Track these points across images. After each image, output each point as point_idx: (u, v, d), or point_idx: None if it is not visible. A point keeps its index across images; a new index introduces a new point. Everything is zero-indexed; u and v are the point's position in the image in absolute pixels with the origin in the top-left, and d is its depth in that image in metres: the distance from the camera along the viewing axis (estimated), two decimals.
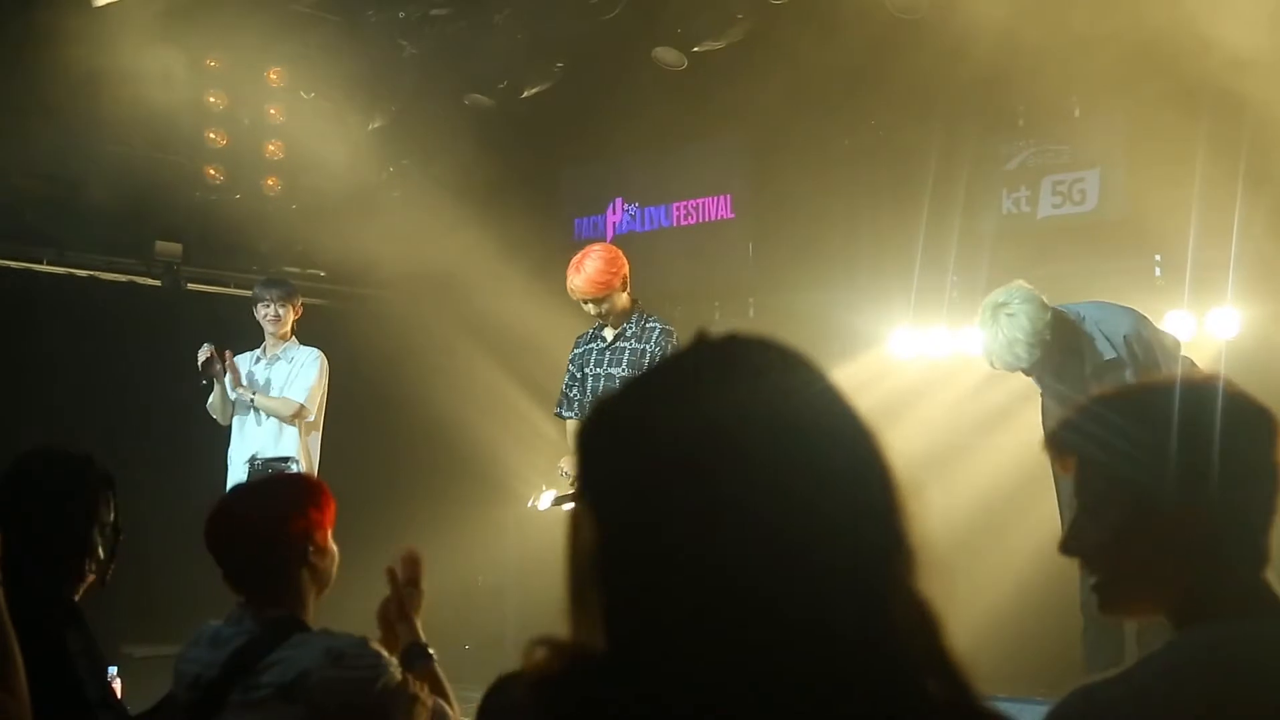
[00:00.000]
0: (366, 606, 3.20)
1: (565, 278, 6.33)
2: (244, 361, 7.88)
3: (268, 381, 7.73)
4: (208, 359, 7.61)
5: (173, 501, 7.41)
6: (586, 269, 6.32)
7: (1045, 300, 5.35)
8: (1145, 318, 5.49)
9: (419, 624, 3.12)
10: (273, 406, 7.64)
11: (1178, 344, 5.43)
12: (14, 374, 8.48)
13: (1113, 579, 1.95)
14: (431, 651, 3.11)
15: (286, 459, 7.59)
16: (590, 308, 6.33)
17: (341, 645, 2.96)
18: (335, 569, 3.17)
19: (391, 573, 3.13)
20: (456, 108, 9.47)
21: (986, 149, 8.23)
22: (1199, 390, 1.95)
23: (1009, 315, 5.28)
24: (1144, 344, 5.36)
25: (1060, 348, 5.34)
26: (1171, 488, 1.88)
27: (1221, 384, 1.94)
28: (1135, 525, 1.91)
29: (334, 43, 9.02)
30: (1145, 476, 1.90)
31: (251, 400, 7.63)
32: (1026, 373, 5.43)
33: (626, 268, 6.37)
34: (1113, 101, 7.80)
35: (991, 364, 5.45)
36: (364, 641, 2.98)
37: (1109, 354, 5.34)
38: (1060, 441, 2.00)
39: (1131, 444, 1.93)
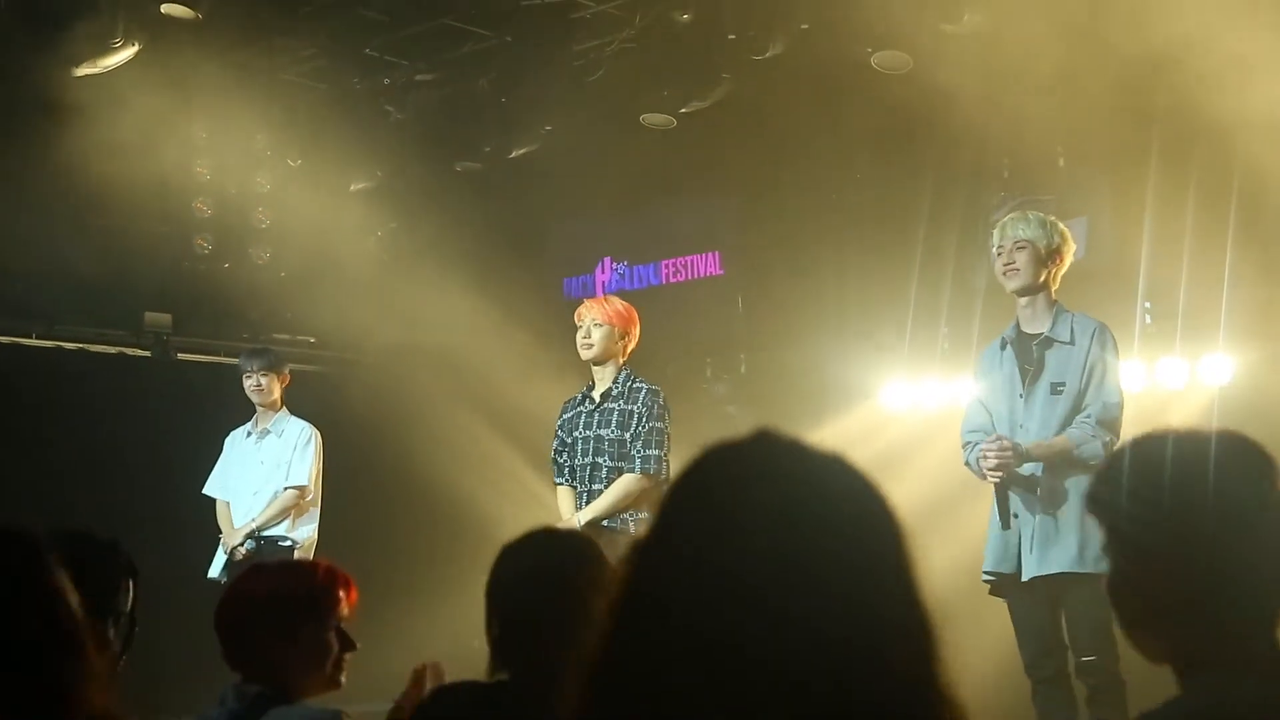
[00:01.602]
0: (366, 673, 3.16)
1: (555, 338, 6.36)
2: (237, 436, 7.85)
3: (259, 459, 7.69)
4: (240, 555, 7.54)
5: (164, 574, 7.34)
6: (609, 298, 6.54)
7: None
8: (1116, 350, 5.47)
9: None
10: (277, 513, 7.57)
11: (1121, 403, 5.40)
12: (3, 447, 8.43)
13: (1127, 625, 1.92)
14: None
15: (283, 539, 7.55)
16: (581, 331, 6.33)
17: (316, 716, 2.95)
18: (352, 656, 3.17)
19: (420, 676, 3.12)
20: (443, 171, 9.50)
21: (975, 200, 8.26)
22: (1191, 439, 1.92)
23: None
24: (1103, 349, 5.35)
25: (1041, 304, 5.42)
26: (1162, 538, 1.85)
27: (1215, 432, 1.91)
28: (1132, 576, 1.89)
29: (320, 110, 9.05)
30: (1138, 528, 1.88)
31: (258, 533, 7.55)
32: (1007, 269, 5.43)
33: (636, 331, 6.40)
34: (1098, 151, 7.83)
35: (999, 230, 5.47)
36: (337, 714, 2.97)
37: (1063, 337, 5.36)
38: (1088, 500, 2.00)
39: (1126, 497, 1.91)
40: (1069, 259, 5.50)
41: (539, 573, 2.90)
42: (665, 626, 1.30)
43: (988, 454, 5.23)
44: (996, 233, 5.53)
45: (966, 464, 5.52)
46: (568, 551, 3.00)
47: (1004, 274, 5.46)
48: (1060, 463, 5.25)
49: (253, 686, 3.01)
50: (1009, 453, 5.20)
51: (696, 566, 1.31)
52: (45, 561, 2.09)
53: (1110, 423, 5.24)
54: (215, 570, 7.56)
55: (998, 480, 5.27)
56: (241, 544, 7.52)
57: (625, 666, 1.32)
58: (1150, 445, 1.93)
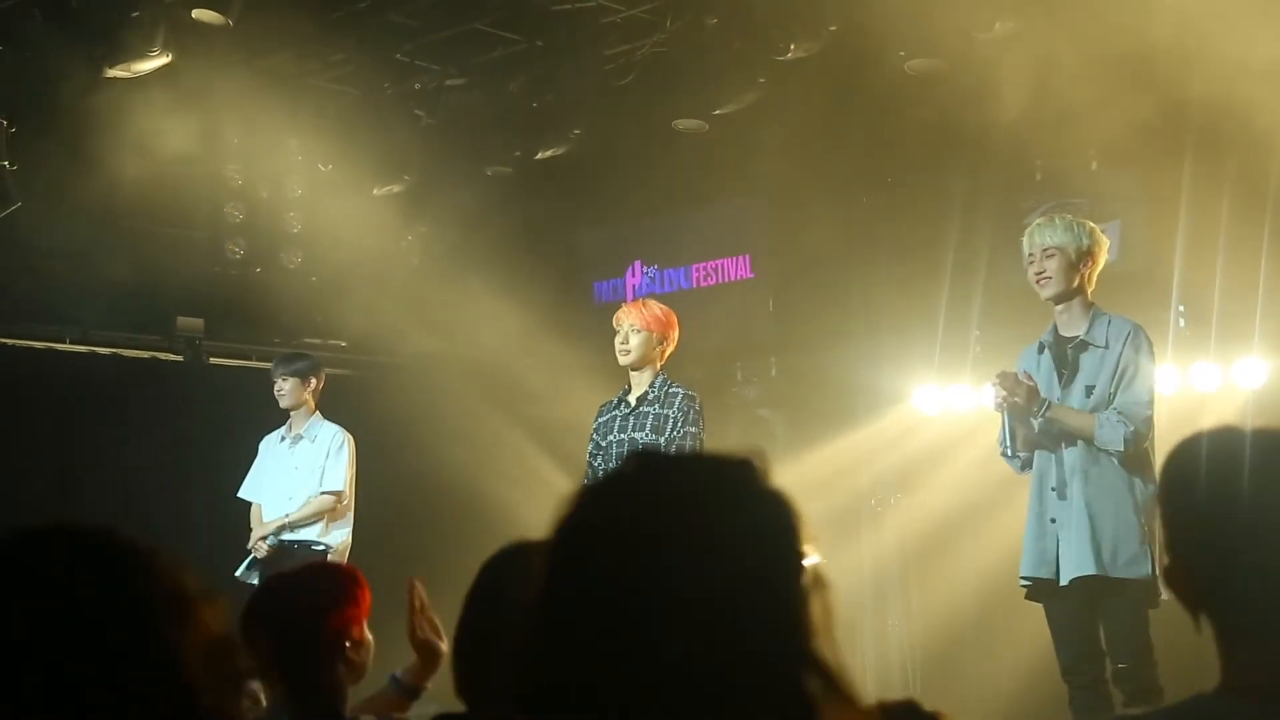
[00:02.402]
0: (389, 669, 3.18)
1: (585, 342, 6.35)
2: (271, 440, 7.89)
3: (294, 465, 7.71)
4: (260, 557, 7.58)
5: (199, 578, 7.37)
6: (647, 302, 6.47)
7: None
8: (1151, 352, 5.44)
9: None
10: (311, 514, 7.61)
11: (1150, 402, 5.37)
12: (39, 452, 8.50)
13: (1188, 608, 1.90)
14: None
15: (316, 543, 7.58)
16: (619, 337, 6.33)
17: None
18: (370, 658, 3.14)
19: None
20: (474, 175, 9.52)
21: (1007, 203, 8.22)
22: (1226, 440, 1.88)
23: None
24: (1136, 352, 5.33)
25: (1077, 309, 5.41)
26: (1195, 544, 1.84)
27: (1250, 432, 1.88)
28: (1177, 584, 1.87)
29: (351, 115, 9.08)
30: (1177, 534, 1.87)
31: (290, 526, 7.59)
32: (1039, 277, 5.41)
33: (675, 334, 6.39)
34: (1130, 154, 7.79)
35: (1028, 237, 5.45)
36: None
37: (1098, 341, 5.34)
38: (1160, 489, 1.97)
39: (1168, 503, 1.89)
40: (1103, 258, 5.47)
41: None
42: (555, 642, 1.34)
43: (999, 387, 5.27)
44: (1025, 239, 5.51)
45: (1003, 455, 5.54)
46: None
47: (1037, 282, 5.44)
48: (1078, 434, 5.27)
49: (312, 705, 3.01)
50: (1020, 391, 5.23)
51: (578, 588, 1.35)
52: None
53: (1134, 417, 5.22)
54: (241, 569, 7.58)
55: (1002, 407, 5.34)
56: (265, 538, 7.55)
57: (531, 677, 1.36)
58: (1229, 439, 1.89)
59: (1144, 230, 7.84)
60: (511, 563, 2.54)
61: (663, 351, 6.38)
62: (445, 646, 3.03)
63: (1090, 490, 5.26)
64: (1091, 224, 5.52)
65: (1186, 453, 1.89)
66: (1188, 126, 7.31)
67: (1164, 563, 1.90)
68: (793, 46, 7.51)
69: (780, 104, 8.19)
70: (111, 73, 7.53)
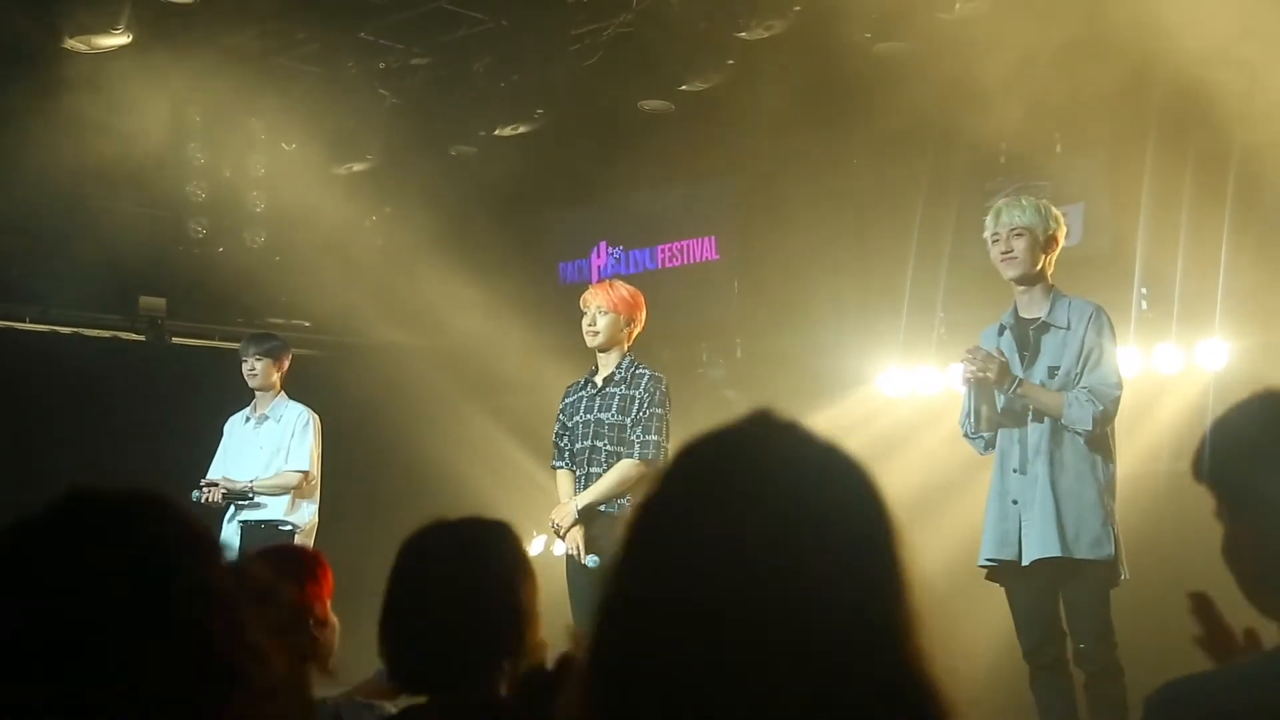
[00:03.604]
0: (369, 661, 3.16)
1: (550, 322, 6.33)
2: (236, 421, 7.85)
3: (259, 445, 7.69)
4: (205, 499, 7.56)
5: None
6: (614, 284, 6.45)
7: None
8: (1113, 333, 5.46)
9: None
10: (276, 486, 7.59)
11: (1118, 384, 5.40)
12: None
13: (1243, 585, 1.93)
14: None
15: (283, 522, 7.55)
16: (586, 318, 6.32)
17: (341, 709, 2.94)
18: (336, 638, 3.13)
19: None
20: (438, 156, 9.48)
21: (972, 185, 8.25)
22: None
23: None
24: (1099, 334, 5.36)
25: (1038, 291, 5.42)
26: (1249, 496, 1.86)
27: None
28: (1234, 534, 1.90)
29: (315, 94, 9.03)
30: (1229, 491, 1.89)
31: (252, 494, 7.56)
32: (1006, 256, 5.42)
33: (642, 315, 6.38)
34: (1094, 137, 7.83)
35: (993, 216, 5.46)
36: (365, 705, 2.97)
37: (1060, 322, 5.37)
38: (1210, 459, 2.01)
39: (1250, 458, 1.91)
40: (1062, 242, 5.50)
41: (464, 573, 2.48)
42: (657, 612, 1.31)
43: (969, 362, 5.29)
44: (990, 219, 5.49)
45: (965, 436, 5.55)
46: (489, 544, 2.54)
47: (1001, 261, 5.44)
48: (1047, 411, 5.28)
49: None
50: (991, 366, 5.24)
51: (686, 552, 1.32)
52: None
53: (1103, 397, 5.24)
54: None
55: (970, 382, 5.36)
56: (223, 492, 7.52)
57: (620, 653, 1.33)
58: (1249, 409, 1.93)
59: (1107, 213, 7.88)
60: (432, 541, 2.54)
61: (630, 333, 6.38)
62: None
63: (1054, 471, 5.28)
64: (1055, 209, 5.54)
65: (1245, 415, 1.97)
66: (1151, 110, 7.36)
67: (1227, 522, 1.93)
68: (758, 25, 7.51)
69: (746, 86, 8.18)
70: (70, 43, 7.45)
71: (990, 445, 5.51)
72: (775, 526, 1.31)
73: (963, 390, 5.54)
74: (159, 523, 1.47)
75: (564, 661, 2.19)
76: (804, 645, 1.28)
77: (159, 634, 1.34)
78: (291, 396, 7.81)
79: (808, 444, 1.40)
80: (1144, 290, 7.57)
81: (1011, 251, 5.39)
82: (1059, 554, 5.18)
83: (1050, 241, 5.41)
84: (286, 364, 7.80)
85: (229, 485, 7.58)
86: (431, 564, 2.50)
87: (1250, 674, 1.83)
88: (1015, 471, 5.38)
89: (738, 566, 1.30)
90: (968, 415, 5.47)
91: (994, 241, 5.45)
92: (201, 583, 1.40)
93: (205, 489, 7.60)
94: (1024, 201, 5.47)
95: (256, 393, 7.75)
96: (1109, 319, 5.41)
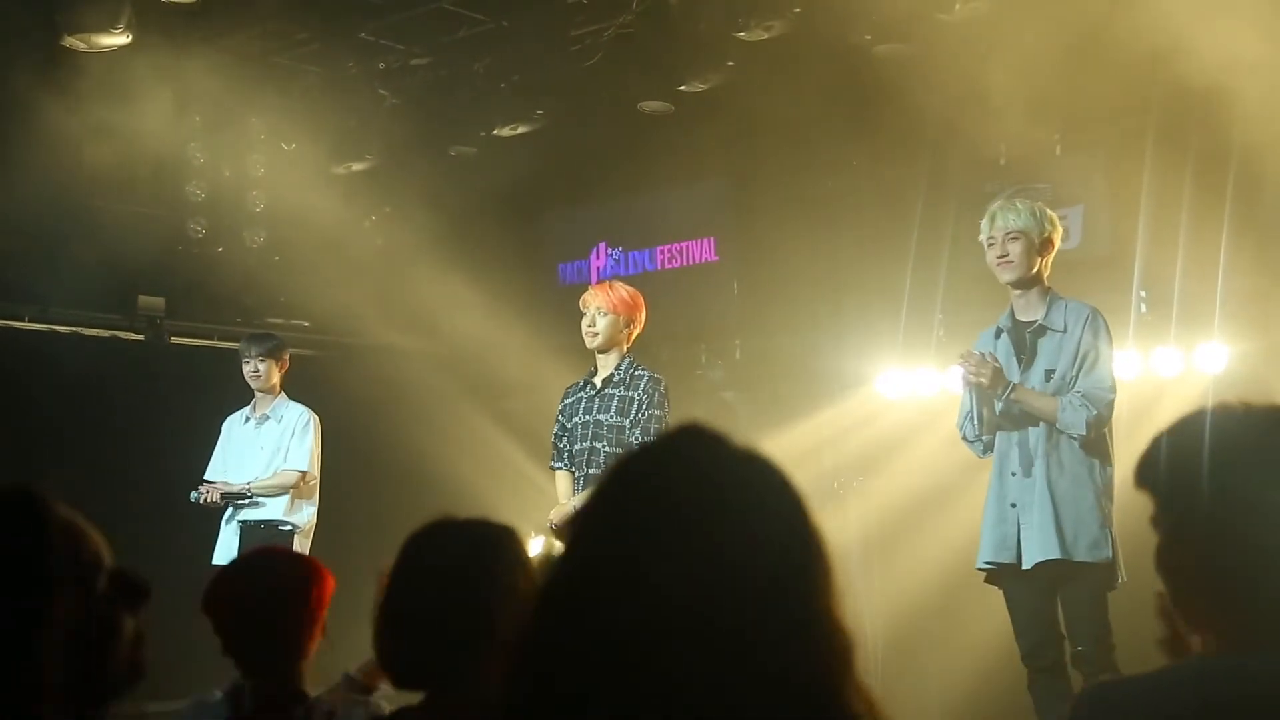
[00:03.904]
0: (361, 656, 3.17)
1: (550, 323, 6.33)
2: (235, 421, 7.85)
3: (259, 445, 7.69)
4: (203, 500, 7.58)
5: (158, 558, 7.33)
6: (614, 285, 6.46)
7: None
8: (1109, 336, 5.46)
9: None
10: (274, 486, 7.59)
11: (1112, 387, 5.39)
12: None
13: (1172, 598, 1.94)
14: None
15: (283, 522, 7.55)
16: (586, 319, 6.33)
17: (335, 706, 2.95)
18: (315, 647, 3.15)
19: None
20: (438, 156, 9.48)
21: (971, 187, 8.24)
22: (1228, 415, 1.93)
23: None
24: (1095, 336, 5.35)
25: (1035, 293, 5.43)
26: (1187, 513, 1.86)
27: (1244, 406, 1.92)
28: (1168, 553, 1.90)
29: (315, 94, 9.02)
30: (1165, 505, 1.89)
31: (250, 494, 7.57)
32: (1002, 261, 5.41)
33: (642, 316, 6.39)
34: (1094, 139, 7.83)
35: (988, 219, 5.45)
36: (356, 702, 2.98)
37: (1057, 325, 5.37)
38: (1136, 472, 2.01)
39: (1166, 473, 1.92)
40: (1058, 245, 5.51)
41: (455, 572, 2.48)
42: (578, 626, 1.35)
43: (966, 366, 5.29)
44: (985, 222, 5.49)
45: (964, 439, 5.56)
46: (494, 545, 2.52)
47: (998, 266, 5.44)
48: (1040, 416, 5.29)
49: (275, 685, 3.01)
50: (985, 371, 5.25)
51: (609, 567, 1.37)
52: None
53: (1097, 401, 5.24)
54: (219, 557, 7.54)
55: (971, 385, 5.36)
56: (221, 493, 7.53)
57: (539, 663, 1.37)
58: (1194, 422, 1.93)
59: (1107, 215, 7.88)
60: (437, 537, 2.55)
61: (629, 334, 6.38)
62: None
63: (1052, 474, 5.29)
64: (1050, 211, 5.54)
65: (1190, 427, 1.94)
66: (1151, 112, 7.36)
67: (1161, 531, 1.93)
68: (757, 26, 7.51)
69: (746, 87, 8.18)
70: (70, 42, 7.45)
71: (989, 448, 5.51)
72: (699, 534, 1.36)
73: (962, 392, 5.55)
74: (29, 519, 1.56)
75: None
76: (726, 648, 1.32)
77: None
78: (291, 397, 7.82)
79: (731, 454, 1.45)
80: (1143, 293, 7.57)
81: (1007, 255, 5.39)
82: (1058, 556, 5.18)
83: (1046, 244, 5.41)
84: (287, 363, 7.82)
85: (226, 487, 7.59)
86: (434, 559, 2.49)
87: (1174, 679, 1.84)
88: (1014, 475, 5.38)
89: (664, 575, 1.34)
90: (968, 418, 5.47)
91: (989, 245, 5.46)
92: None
93: (204, 490, 7.61)
94: (1019, 205, 5.47)
95: (257, 393, 7.75)
96: (1105, 321, 5.42)
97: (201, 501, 7.55)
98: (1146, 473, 1.98)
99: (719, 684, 1.31)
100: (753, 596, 1.34)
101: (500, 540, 2.55)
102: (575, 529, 1.44)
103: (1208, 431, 1.90)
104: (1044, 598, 5.31)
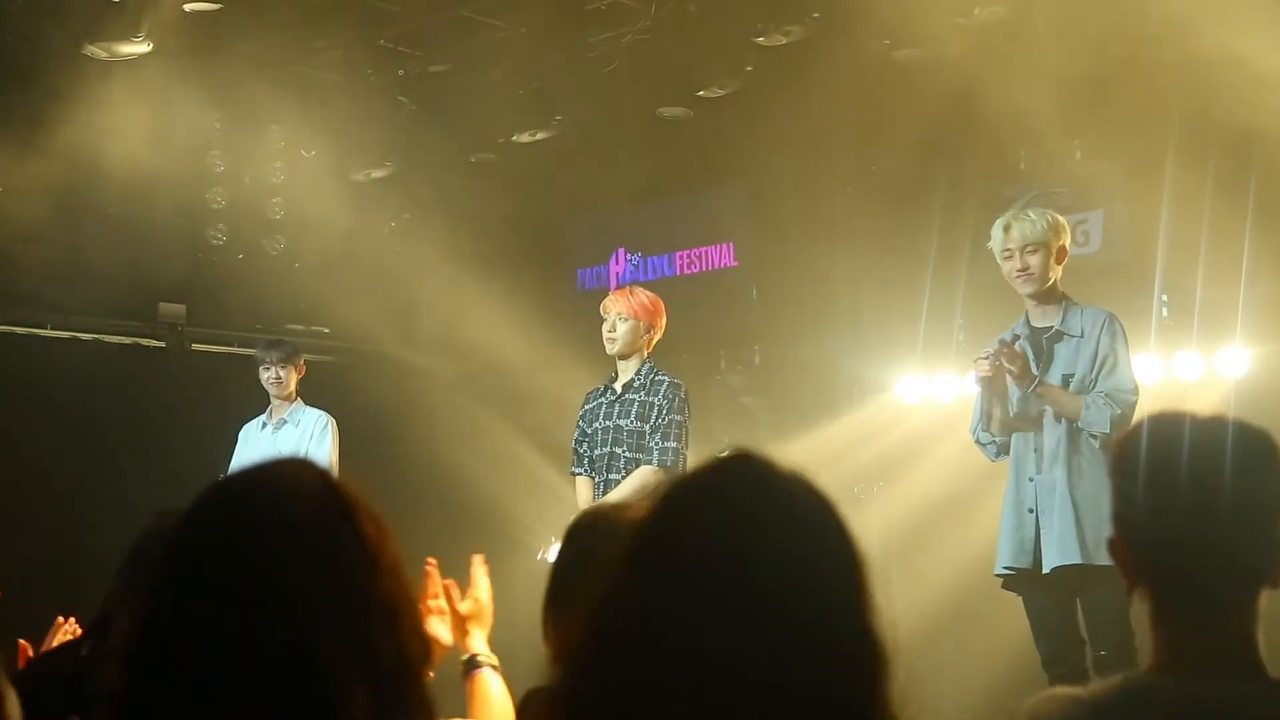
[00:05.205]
0: None
1: (568, 329, 6.33)
2: (252, 429, 7.88)
3: (278, 450, 7.71)
4: None
5: None
6: (634, 290, 6.47)
7: None
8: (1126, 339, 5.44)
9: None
10: None
11: (1134, 389, 5.37)
12: (19, 439, 8.46)
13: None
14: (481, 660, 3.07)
15: None
16: (606, 325, 6.34)
17: None
18: None
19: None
20: (457, 163, 9.50)
21: (990, 193, 8.23)
22: (1168, 425, 1.93)
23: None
24: (1113, 340, 5.34)
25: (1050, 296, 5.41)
26: (1140, 529, 1.87)
27: (1189, 419, 1.92)
28: (1119, 559, 1.90)
29: (334, 101, 9.05)
30: (1121, 512, 1.90)
31: None
32: (1022, 272, 5.39)
33: (662, 322, 6.40)
34: (1114, 143, 7.80)
35: (1002, 230, 5.43)
36: None
37: (1074, 330, 5.35)
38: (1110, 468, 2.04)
39: (1116, 488, 1.93)
40: (1069, 250, 5.50)
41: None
42: (628, 648, 1.38)
43: (990, 359, 5.27)
44: (999, 233, 5.46)
45: (977, 442, 5.55)
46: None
47: (1017, 278, 5.42)
48: (1064, 413, 5.28)
49: None
50: (1016, 361, 5.23)
51: (658, 593, 1.40)
52: None
53: (1120, 401, 5.22)
54: None
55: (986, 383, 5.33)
56: None
57: (592, 685, 1.40)
58: (1168, 427, 1.92)
59: (1127, 220, 7.85)
60: (592, 526, 2.78)
61: (649, 340, 6.39)
62: (447, 639, 3.03)
63: (1072, 478, 5.27)
64: (1060, 217, 5.52)
65: (1134, 437, 1.93)
66: (1171, 116, 7.33)
67: (1108, 537, 1.95)
68: (776, 31, 7.51)
69: (765, 92, 8.18)
70: (90, 49, 7.48)
71: (1002, 451, 5.50)
72: (751, 564, 1.39)
73: (978, 384, 5.54)
74: None
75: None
76: (776, 679, 1.35)
77: None
78: (308, 402, 7.85)
79: (777, 482, 1.48)
80: (1164, 297, 7.54)
81: (1028, 269, 5.37)
82: (1079, 561, 5.16)
83: (1061, 252, 5.41)
84: (303, 369, 7.87)
85: None
86: (592, 546, 2.60)
87: (1123, 699, 1.84)
88: (1031, 480, 5.37)
89: (715, 603, 1.37)
90: (979, 419, 5.47)
91: (1006, 258, 5.43)
92: None
93: None
94: (1032, 215, 5.44)
95: (274, 399, 7.78)
96: (1121, 325, 5.40)
97: None
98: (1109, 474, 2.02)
99: (758, 712, 1.33)
100: (798, 623, 1.38)
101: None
102: (624, 560, 1.47)
103: (1145, 439, 1.91)
104: (1064, 603, 5.30)
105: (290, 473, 1.77)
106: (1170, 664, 1.85)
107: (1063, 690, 1.89)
